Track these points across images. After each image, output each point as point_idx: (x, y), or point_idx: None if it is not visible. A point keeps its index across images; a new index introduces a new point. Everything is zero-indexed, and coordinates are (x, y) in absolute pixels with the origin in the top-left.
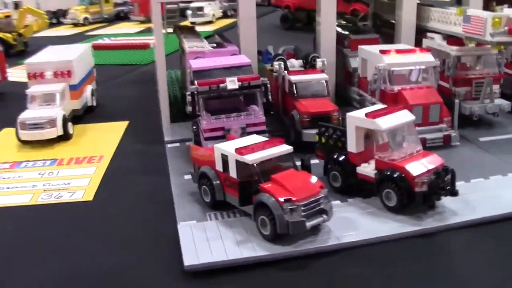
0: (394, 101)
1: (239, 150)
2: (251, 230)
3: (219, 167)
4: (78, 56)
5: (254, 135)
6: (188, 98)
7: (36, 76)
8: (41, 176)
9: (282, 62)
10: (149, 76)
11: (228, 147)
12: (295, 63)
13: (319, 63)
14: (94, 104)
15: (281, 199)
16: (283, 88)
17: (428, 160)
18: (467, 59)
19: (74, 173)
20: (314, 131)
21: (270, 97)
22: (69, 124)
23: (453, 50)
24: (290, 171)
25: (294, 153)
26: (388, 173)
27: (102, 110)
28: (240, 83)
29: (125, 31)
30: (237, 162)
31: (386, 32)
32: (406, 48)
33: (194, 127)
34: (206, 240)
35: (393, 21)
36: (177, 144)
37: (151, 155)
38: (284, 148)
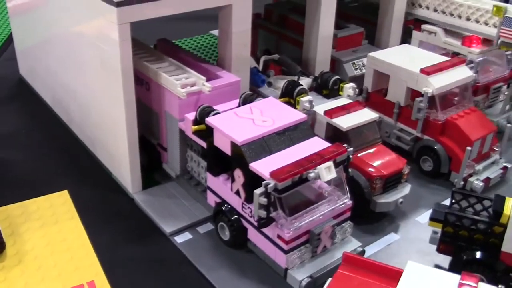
0: (441, 133)
1: None
2: None
3: None
4: None
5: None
6: (261, 201)
7: None
8: None
9: (311, 98)
10: (12, 89)
11: None
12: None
13: (348, 90)
14: None
15: None
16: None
17: None
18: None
19: None
20: (390, 198)
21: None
22: None
23: (474, 52)
24: None
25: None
26: None
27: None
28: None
29: None
30: None
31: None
32: (441, 60)
33: (228, 222)
34: None
35: None
36: (189, 235)
37: (165, 266)
38: None
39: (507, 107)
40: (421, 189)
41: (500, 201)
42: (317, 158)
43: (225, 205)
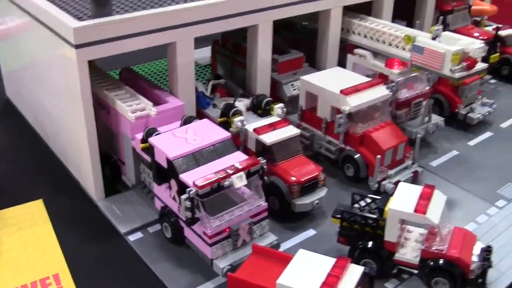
0: (360, 144)
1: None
2: None
3: None
4: None
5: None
6: (186, 204)
7: None
8: None
9: (243, 118)
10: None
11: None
12: (241, 107)
13: (278, 110)
14: None
15: None
16: (247, 149)
17: (472, 243)
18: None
19: None
20: (307, 200)
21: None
22: None
23: (394, 73)
24: None
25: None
26: (440, 262)
27: None
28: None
29: None
30: None
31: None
32: (363, 81)
33: (169, 222)
34: None
35: None
36: (140, 235)
37: (119, 260)
38: None
39: (426, 119)
40: (344, 192)
41: (384, 200)
42: (232, 169)
43: (167, 209)
